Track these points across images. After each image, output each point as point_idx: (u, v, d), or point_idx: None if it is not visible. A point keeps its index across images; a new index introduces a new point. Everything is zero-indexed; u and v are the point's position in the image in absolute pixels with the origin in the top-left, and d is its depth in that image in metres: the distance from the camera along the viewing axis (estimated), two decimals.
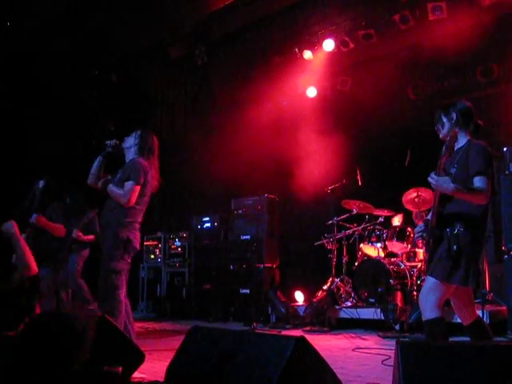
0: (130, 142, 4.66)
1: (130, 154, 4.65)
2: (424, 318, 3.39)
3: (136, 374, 3.74)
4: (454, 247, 3.33)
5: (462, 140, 3.58)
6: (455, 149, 3.59)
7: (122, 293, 4.37)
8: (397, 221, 7.53)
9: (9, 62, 8.41)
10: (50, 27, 8.51)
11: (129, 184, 4.40)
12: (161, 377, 2.88)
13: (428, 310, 3.36)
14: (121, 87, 9.70)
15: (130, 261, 4.49)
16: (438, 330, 3.31)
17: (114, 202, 4.47)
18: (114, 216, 4.44)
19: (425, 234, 3.62)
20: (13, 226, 4.63)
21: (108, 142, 4.67)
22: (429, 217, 3.73)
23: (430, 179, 3.33)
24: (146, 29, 8.69)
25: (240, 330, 4.23)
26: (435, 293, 3.36)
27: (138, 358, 3.71)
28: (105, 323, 3.62)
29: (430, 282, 3.41)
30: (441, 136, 3.62)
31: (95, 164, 4.73)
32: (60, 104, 9.15)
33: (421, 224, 3.73)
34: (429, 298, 3.38)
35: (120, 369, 3.42)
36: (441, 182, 3.29)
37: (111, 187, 4.50)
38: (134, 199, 4.41)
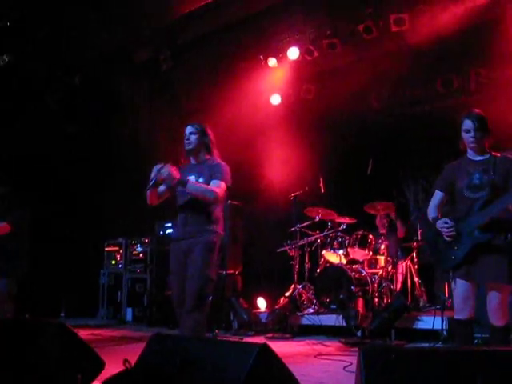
0: None
1: None
2: (498, 324, 3.48)
3: (95, 383, 3.68)
4: None
5: (481, 150, 3.71)
6: (476, 159, 3.72)
7: None
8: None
9: None
10: (13, 27, 8.36)
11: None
12: None
13: (502, 316, 3.48)
14: (84, 90, 9.59)
15: None
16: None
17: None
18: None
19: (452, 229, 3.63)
20: None
21: None
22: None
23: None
24: (111, 32, 8.61)
25: (202, 336, 4.18)
26: (506, 297, 3.49)
27: (97, 366, 3.64)
28: (63, 330, 3.55)
29: (499, 287, 3.49)
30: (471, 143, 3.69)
31: None
32: (22, 106, 8.99)
33: (445, 219, 3.70)
34: (503, 304, 3.48)
35: (79, 376, 3.36)
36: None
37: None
38: None
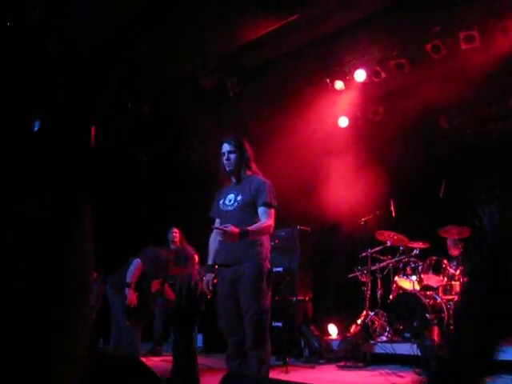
0: None
1: None
2: None
3: None
4: None
5: None
6: None
7: None
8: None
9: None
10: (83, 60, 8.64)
11: None
12: None
13: None
14: (153, 118, 9.79)
15: None
16: None
17: None
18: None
19: None
20: None
21: None
22: None
23: None
24: (178, 60, 8.78)
25: (276, 380, 4.04)
26: None
27: None
28: (138, 365, 3.57)
29: None
30: None
31: None
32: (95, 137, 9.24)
33: None
34: None
35: None
36: None
37: None
38: None
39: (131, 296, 5.72)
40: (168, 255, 5.91)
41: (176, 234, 6.65)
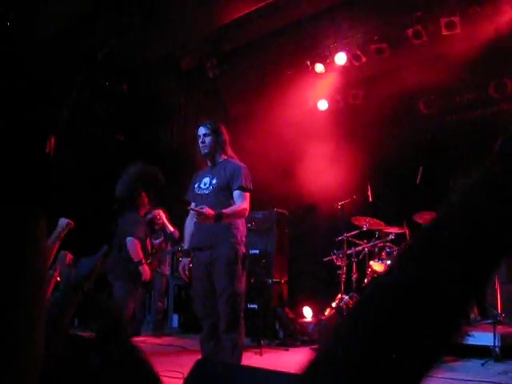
0: None
1: None
2: None
3: None
4: None
5: None
6: None
7: None
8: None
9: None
10: (61, 39, 8.47)
11: None
12: None
13: None
14: (132, 98, 9.66)
15: None
16: None
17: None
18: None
19: None
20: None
21: None
22: None
23: None
24: (157, 40, 8.65)
25: (251, 367, 4.04)
26: None
27: None
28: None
29: None
30: None
31: None
32: (72, 115, 9.11)
33: None
34: None
35: None
36: None
37: None
38: None
39: (146, 272, 5.65)
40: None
41: (159, 215, 6.59)
